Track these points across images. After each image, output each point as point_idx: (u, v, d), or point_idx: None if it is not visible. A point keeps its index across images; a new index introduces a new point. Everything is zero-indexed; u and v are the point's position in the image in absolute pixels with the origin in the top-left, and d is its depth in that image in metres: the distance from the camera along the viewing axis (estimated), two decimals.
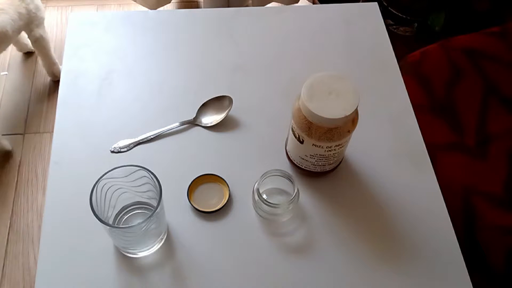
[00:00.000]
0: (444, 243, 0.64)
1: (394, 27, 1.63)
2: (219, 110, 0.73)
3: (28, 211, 1.40)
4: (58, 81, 1.34)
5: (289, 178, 0.62)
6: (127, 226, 0.61)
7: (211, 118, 0.73)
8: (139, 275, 0.60)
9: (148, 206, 0.63)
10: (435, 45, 1.13)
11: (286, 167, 0.69)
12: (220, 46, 0.82)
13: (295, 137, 0.62)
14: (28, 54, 1.72)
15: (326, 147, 0.60)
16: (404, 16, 1.60)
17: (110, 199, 0.58)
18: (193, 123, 0.73)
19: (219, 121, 0.72)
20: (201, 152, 0.71)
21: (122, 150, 0.70)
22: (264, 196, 0.62)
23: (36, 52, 1.59)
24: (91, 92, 0.76)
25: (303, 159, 0.64)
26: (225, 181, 0.67)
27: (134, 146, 0.70)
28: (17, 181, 1.46)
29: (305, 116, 0.58)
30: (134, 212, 0.63)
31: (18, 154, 1.51)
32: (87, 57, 0.80)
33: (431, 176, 0.70)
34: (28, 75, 1.68)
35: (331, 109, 0.56)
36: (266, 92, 0.77)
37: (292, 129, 0.63)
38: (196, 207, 0.64)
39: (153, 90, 0.77)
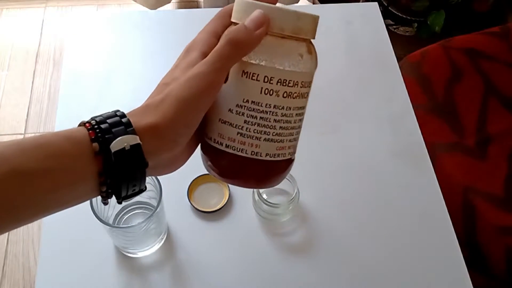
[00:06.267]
0: (444, 243, 0.64)
1: (394, 27, 1.63)
2: None
3: None
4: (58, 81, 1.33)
5: (289, 178, 0.62)
6: (127, 226, 0.61)
7: None
8: (139, 275, 0.60)
9: (148, 206, 0.63)
10: (435, 45, 1.13)
11: None
12: None
13: None
14: (28, 54, 1.72)
15: (265, 78, 0.35)
16: (404, 16, 1.59)
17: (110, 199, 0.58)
18: None
19: None
20: None
21: None
22: (264, 196, 0.62)
23: None
24: (91, 92, 0.76)
25: (224, 122, 0.37)
26: None
27: None
28: None
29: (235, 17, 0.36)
30: (134, 212, 0.63)
31: None
32: (87, 57, 0.80)
33: (431, 176, 0.70)
34: (28, 75, 1.67)
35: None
36: None
37: None
38: (196, 207, 0.64)
39: (153, 90, 0.77)
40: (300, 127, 0.39)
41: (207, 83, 0.33)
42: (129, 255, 0.61)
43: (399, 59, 0.85)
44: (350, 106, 0.77)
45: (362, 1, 1.32)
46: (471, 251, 0.89)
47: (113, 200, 0.62)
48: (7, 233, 1.36)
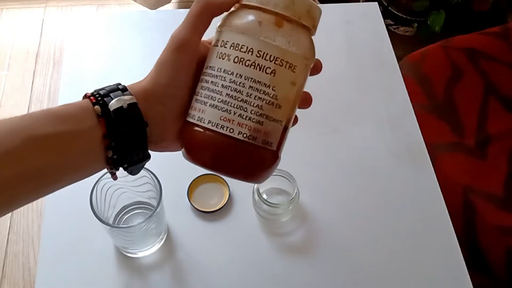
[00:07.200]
0: (444, 243, 0.64)
1: (394, 27, 1.63)
2: None
3: (28, 211, 1.40)
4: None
5: (289, 178, 0.62)
6: (127, 226, 0.61)
7: None
8: (139, 275, 0.60)
9: (148, 206, 0.63)
10: (435, 45, 1.13)
11: (285, 166, 0.69)
12: None
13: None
14: (28, 54, 1.72)
15: (221, 42, 0.36)
16: (404, 16, 1.60)
17: (110, 199, 0.58)
18: None
19: None
20: None
21: None
22: (264, 196, 0.62)
23: None
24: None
25: (205, 89, 0.35)
26: (225, 181, 0.67)
27: None
28: None
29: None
30: (134, 212, 0.63)
31: None
32: (87, 57, 0.80)
33: (431, 176, 0.70)
34: (28, 75, 1.67)
35: None
36: None
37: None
38: (196, 207, 0.64)
39: None
40: (261, 108, 0.34)
41: (178, 41, 0.36)
42: (129, 255, 0.61)
43: (399, 59, 0.85)
44: (350, 106, 0.77)
45: (362, 1, 1.32)
46: (471, 251, 0.89)
47: (113, 200, 0.62)
48: (7, 233, 1.36)
